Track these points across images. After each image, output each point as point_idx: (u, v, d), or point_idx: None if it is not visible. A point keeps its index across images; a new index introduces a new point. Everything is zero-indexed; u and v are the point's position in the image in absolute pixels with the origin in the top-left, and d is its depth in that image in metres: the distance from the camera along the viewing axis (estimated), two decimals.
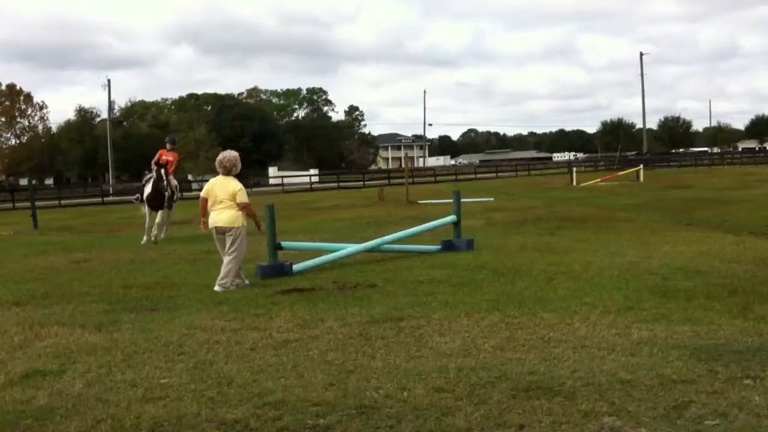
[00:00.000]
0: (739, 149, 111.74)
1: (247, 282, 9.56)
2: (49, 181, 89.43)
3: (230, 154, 9.86)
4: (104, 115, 76.30)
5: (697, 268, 9.35)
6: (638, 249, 11.55)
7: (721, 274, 8.93)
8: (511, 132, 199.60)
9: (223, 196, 9.60)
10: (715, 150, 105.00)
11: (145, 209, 16.96)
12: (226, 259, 9.53)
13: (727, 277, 8.63)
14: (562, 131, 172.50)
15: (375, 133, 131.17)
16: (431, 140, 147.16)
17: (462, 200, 13.36)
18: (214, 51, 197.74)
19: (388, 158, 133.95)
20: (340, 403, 4.60)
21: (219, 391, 4.98)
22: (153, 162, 17.36)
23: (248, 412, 4.53)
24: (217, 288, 9.25)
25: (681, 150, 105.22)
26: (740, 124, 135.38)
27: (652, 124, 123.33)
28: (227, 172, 9.74)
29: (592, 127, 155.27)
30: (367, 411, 4.45)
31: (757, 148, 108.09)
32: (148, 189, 16.97)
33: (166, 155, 17.44)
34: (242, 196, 9.67)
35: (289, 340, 6.37)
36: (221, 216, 9.60)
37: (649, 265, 9.79)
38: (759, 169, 49.19)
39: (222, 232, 9.63)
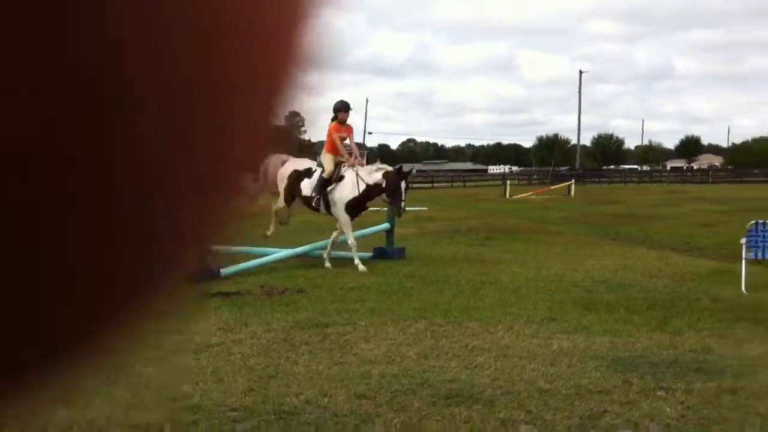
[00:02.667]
0: (668, 168, 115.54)
1: None
2: None
3: None
4: None
5: (619, 282, 9.58)
6: (565, 261, 11.78)
7: (642, 288, 9.17)
8: (449, 143, 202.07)
9: None
10: (645, 168, 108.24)
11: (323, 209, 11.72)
12: None
13: (647, 291, 8.87)
14: (499, 144, 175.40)
15: (315, 139, 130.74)
16: (371, 149, 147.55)
17: None
18: None
19: None
20: (258, 409, 4.54)
21: (134, 395, 4.85)
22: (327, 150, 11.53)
23: (163, 416, 4.43)
24: None
25: (612, 167, 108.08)
26: (671, 143, 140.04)
27: (587, 140, 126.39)
28: None
29: (528, 142, 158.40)
30: (286, 417, 4.40)
31: (684, 168, 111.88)
32: (341, 191, 11.34)
33: (342, 130, 11.67)
34: None
35: (211, 344, 6.27)
36: None
37: (573, 277, 9.98)
38: (685, 187, 50.89)
39: None
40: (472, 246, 14.27)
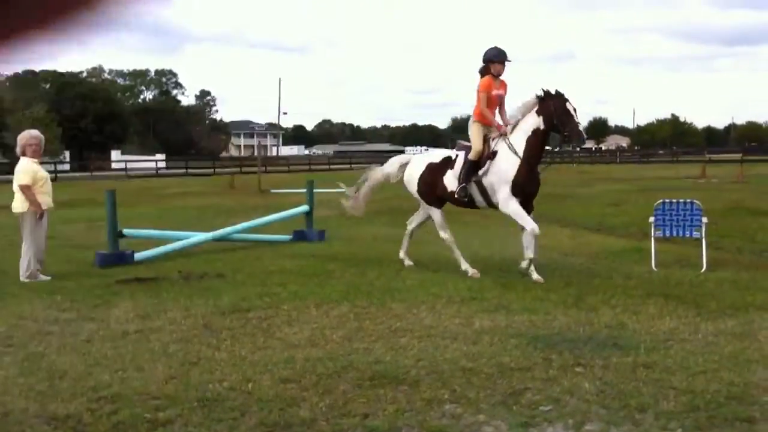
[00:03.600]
0: (577, 149, 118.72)
1: (42, 278, 8.83)
2: None
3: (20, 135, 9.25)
4: None
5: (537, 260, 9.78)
6: (483, 241, 11.97)
7: (558, 266, 9.41)
8: (365, 124, 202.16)
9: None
10: (556, 149, 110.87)
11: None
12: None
13: (563, 270, 9.11)
14: (415, 125, 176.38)
15: (227, 119, 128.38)
16: (286, 129, 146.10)
17: (316, 190, 13.32)
18: None
19: (240, 146, 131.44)
20: (180, 396, 4.44)
21: (50, 385, 4.68)
22: (477, 115, 8.91)
23: (81, 406, 4.28)
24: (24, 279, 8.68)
25: None
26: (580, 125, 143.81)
27: None
28: (22, 153, 9.07)
29: (443, 123, 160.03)
30: (210, 404, 4.32)
31: (593, 149, 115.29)
32: (504, 167, 8.59)
33: (496, 86, 8.90)
34: (20, 178, 8.90)
35: (129, 331, 6.09)
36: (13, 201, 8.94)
37: (492, 256, 10.16)
38: (595, 168, 52.43)
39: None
40: (393, 227, 14.31)
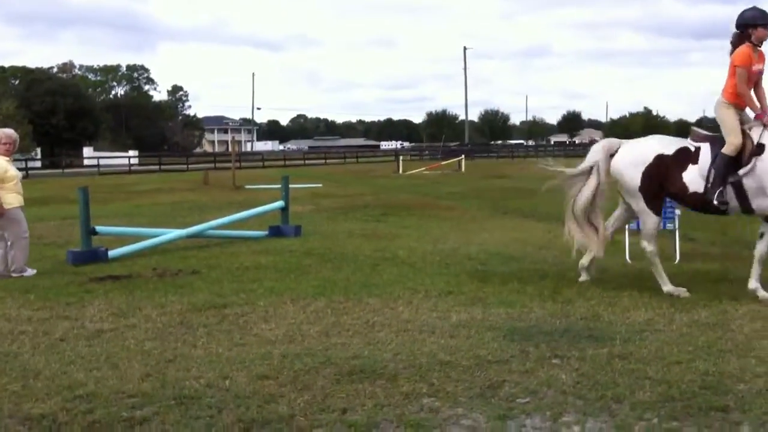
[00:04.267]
0: (552, 143, 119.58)
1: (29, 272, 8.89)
2: None
3: None
4: None
5: (511, 254, 9.85)
6: (459, 235, 12.01)
7: (533, 259, 9.46)
8: (340, 119, 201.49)
9: None
10: (530, 143, 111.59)
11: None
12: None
13: (538, 263, 9.16)
14: (389, 120, 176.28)
15: (200, 114, 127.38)
16: (260, 125, 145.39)
17: (290, 186, 13.27)
18: (15, 20, 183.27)
19: (214, 141, 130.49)
20: (157, 394, 4.40)
21: (24, 385, 4.63)
22: (733, 92, 7.12)
23: (56, 405, 4.23)
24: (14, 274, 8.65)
25: (499, 142, 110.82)
26: (553, 119, 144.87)
27: (474, 116, 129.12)
28: None
29: (418, 118, 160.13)
30: (187, 401, 4.29)
31: (567, 142, 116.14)
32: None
33: (755, 59, 7.13)
34: None
35: (103, 329, 6.03)
36: None
37: (468, 250, 10.19)
38: (568, 161, 52.88)
39: None
40: (369, 222, 14.34)
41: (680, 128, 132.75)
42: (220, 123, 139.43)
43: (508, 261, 9.32)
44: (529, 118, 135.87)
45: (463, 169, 40.37)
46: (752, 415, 3.99)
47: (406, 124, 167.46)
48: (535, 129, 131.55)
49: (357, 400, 4.30)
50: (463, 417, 4.08)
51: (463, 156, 44.66)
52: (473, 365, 4.92)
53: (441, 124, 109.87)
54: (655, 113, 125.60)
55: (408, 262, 9.28)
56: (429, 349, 5.30)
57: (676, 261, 8.92)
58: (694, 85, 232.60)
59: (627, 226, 9.50)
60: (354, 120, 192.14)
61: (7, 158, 8.98)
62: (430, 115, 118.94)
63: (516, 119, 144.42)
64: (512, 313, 6.43)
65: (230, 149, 41.19)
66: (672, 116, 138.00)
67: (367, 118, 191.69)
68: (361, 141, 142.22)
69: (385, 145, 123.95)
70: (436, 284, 7.73)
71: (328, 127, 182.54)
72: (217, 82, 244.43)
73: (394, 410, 4.15)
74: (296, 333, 5.82)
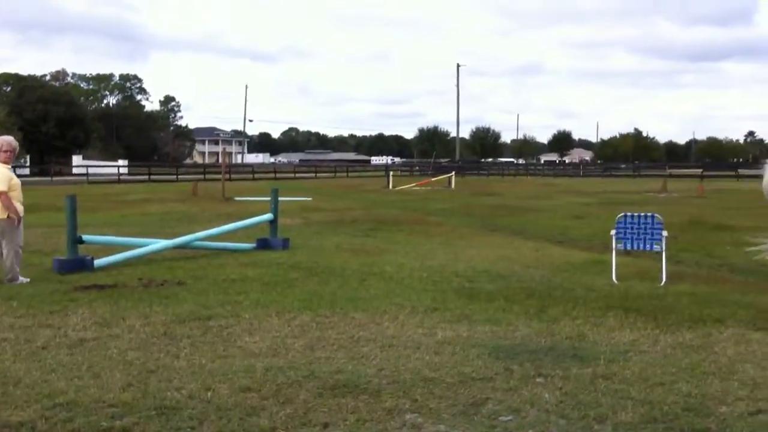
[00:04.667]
0: (542, 161, 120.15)
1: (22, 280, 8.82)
2: None
3: None
4: None
5: (498, 272, 9.86)
6: (447, 252, 12.02)
7: (520, 277, 9.47)
8: (331, 133, 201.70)
9: None
10: (521, 161, 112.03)
11: None
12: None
13: (525, 281, 9.17)
14: (381, 135, 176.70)
15: (192, 125, 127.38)
16: (251, 137, 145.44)
17: (280, 199, 13.26)
18: (10, 27, 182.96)
19: (204, 152, 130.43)
20: (138, 404, 4.36)
21: (4, 392, 4.58)
22: None
23: (36, 413, 4.19)
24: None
25: (490, 159, 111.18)
26: (544, 138, 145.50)
27: (465, 133, 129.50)
28: None
29: (410, 133, 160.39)
30: (168, 412, 4.25)
31: (557, 161, 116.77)
32: None
33: None
34: None
35: (86, 338, 5.99)
36: None
37: (456, 267, 10.19)
38: (558, 180, 53.11)
39: None
40: (357, 237, 14.33)
41: (670, 150, 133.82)
42: (211, 134, 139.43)
43: (495, 279, 9.33)
44: (520, 136, 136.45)
45: (453, 185, 40.47)
46: None
47: (397, 139, 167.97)
48: (525, 147, 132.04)
49: (339, 414, 4.28)
50: None
51: (453, 173, 44.78)
52: (457, 382, 4.91)
53: (432, 141, 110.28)
54: (645, 134, 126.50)
55: (395, 277, 9.28)
56: (413, 365, 5.29)
57: (663, 282, 8.95)
58: (685, 106, 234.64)
59: (614, 247, 9.55)
60: (346, 134, 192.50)
61: (8, 166, 8.95)
62: (421, 131, 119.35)
63: (507, 137, 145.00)
64: (497, 331, 6.42)
65: (221, 160, 41.17)
66: (662, 138, 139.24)
67: (359, 133, 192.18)
68: (352, 155, 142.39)
69: (376, 160, 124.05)
70: (422, 300, 7.73)
71: (319, 141, 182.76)
72: (210, 94, 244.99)
73: (376, 425, 4.13)
74: (280, 346, 5.79)
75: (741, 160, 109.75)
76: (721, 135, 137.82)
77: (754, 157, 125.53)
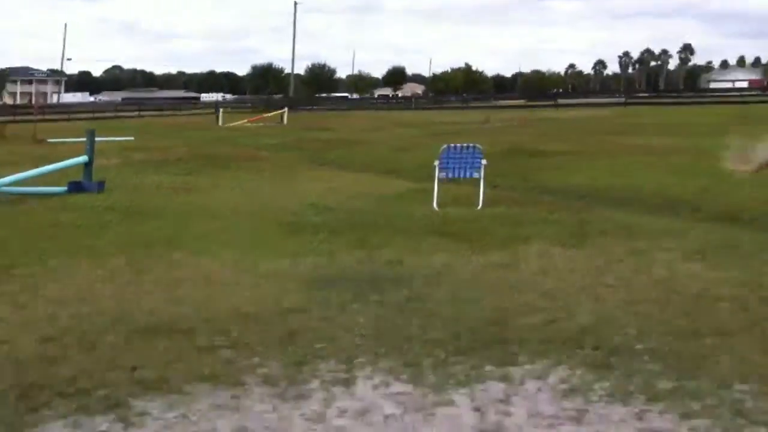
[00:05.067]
0: (376, 95, 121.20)
1: None
2: None
3: None
4: None
5: (325, 205, 9.87)
6: (274, 187, 11.89)
7: (346, 209, 9.53)
8: (159, 71, 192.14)
9: None
10: (355, 96, 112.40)
11: None
12: None
13: (350, 212, 9.24)
14: (212, 72, 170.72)
15: (3, 65, 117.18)
16: (70, 76, 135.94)
17: (99, 139, 12.49)
18: None
19: (16, 93, 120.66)
20: None
21: None
22: None
23: None
24: None
25: (325, 95, 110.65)
26: (379, 73, 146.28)
27: (301, 69, 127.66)
28: None
29: (243, 71, 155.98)
30: None
31: (390, 95, 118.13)
32: None
33: None
34: None
35: None
36: None
37: (282, 202, 10.10)
38: (390, 113, 53.70)
39: None
40: (180, 175, 13.82)
41: (498, 83, 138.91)
42: (25, 74, 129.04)
43: (322, 212, 9.33)
44: (356, 72, 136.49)
45: (285, 121, 39.99)
46: (529, 346, 4.26)
47: (229, 76, 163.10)
48: (360, 82, 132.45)
49: (149, 356, 4.15)
50: (259, 366, 4.05)
51: (286, 108, 44.19)
52: (275, 316, 4.89)
53: (266, 77, 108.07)
54: (474, 68, 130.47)
55: (219, 215, 9.05)
56: (231, 302, 5.20)
57: (479, 207, 9.33)
58: (513, 42, 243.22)
59: (437, 176, 9.83)
60: (174, 71, 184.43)
61: None
62: (254, 67, 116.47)
63: (342, 73, 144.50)
64: (319, 262, 6.44)
65: (33, 101, 38.25)
66: (491, 72, 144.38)
67: (189, 70, 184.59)
68: (181, 93, 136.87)
69: (206, 97, 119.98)
70: (245, 237, 7.61)
71: (145, 79, 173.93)
72: (24, 32, 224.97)
73: (187, 364, 4.04)
74: (88, 292, 5.49)
75: (560, 90, 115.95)
76: (545, 68, 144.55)
77: (573, 87, 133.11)
